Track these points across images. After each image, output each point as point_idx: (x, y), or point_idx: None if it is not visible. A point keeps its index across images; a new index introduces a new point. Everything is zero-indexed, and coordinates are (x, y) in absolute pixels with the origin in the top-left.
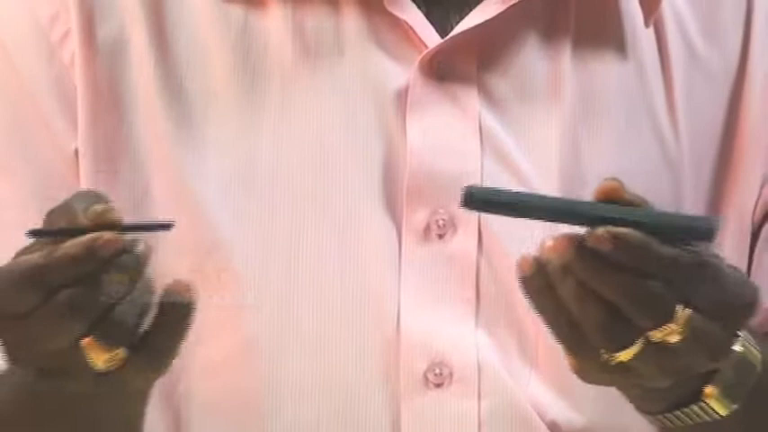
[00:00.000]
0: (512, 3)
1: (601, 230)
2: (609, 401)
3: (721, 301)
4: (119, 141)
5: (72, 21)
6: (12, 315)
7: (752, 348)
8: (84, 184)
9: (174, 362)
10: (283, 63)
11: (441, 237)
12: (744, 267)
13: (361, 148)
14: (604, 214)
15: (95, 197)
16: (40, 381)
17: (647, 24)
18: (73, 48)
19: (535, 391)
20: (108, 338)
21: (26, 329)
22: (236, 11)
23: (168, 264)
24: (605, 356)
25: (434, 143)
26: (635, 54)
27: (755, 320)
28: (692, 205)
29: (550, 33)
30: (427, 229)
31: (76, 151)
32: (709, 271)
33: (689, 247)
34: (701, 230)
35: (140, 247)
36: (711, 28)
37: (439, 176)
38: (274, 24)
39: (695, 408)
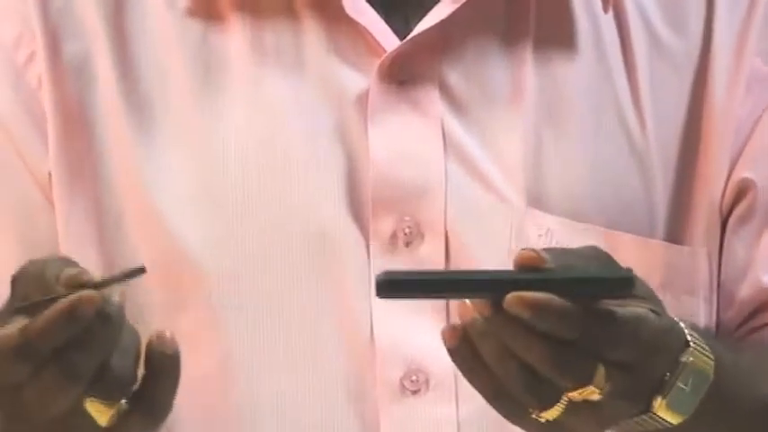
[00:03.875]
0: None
1: (513, 295)
2: None
3: (641, 355)
4: (91, 163)
5: (37, 42)
6: (5, 387)
7: (703, 356)
8: (60, 209)
9: None
10: (244, 75)
11: (408, 245)
12: (714, 253)
13: (324, 159)
14: (519, 278)
15: (65, 262)
16: None
17: (605, 10)
18: (39, 70)
19: None
20: (108, 394)
21: (23, 400)
22: (196, 25)
23: (141, 283)
24: (533, 416)
25: (397, 150)
26: (597, 47)
27: (728, 314)
28: (661, 195)
29: (510, 34)
30: (394, 237)
31: (50, 174)
32: (627, 327)
33: (607, 304)
34: (616, 285)
35: (116, 297)
36: (674, 16)
37: (403, 184)
38: (234, 37)
39: (646, 417)
